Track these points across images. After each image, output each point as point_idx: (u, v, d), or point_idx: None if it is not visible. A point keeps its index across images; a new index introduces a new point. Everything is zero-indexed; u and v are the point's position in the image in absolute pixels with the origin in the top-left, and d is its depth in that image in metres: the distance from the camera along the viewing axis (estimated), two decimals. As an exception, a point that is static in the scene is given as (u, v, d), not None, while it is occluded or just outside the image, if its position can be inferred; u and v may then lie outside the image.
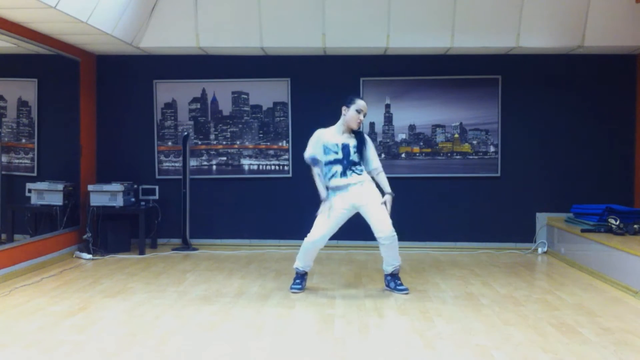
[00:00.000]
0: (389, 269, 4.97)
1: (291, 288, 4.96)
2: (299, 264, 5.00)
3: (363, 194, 4.82)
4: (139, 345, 3.57)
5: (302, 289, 4.96)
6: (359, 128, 4.93)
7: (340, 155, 4.81)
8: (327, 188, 4.88)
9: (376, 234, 4.84)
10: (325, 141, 4.86)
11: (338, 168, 4.81)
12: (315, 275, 5.54)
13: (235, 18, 6.46)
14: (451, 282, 5.31)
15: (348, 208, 4.85)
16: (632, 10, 6.24)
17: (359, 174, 4.83)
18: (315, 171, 4.92)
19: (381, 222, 4.80)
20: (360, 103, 4.89)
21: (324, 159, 4.86)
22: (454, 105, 7.04)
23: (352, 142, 4.86)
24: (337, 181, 4.82)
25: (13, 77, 6.30)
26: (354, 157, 4.83)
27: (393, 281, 4.96)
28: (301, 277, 5.01)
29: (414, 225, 7.08)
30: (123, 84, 7.26)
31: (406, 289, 4.89)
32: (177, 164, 7.21)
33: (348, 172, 4.80)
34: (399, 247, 4.79)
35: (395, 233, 4.84)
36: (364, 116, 4.93)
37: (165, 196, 7.10)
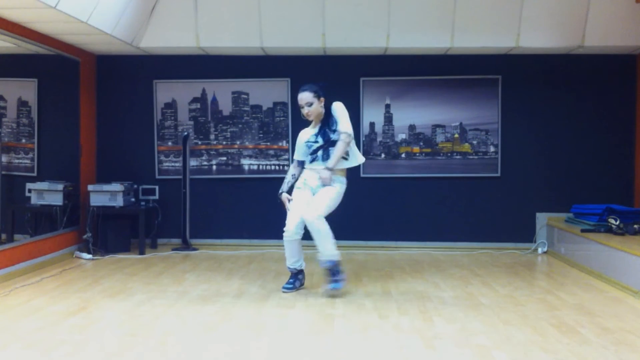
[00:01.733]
0: (320, 262, 4.77)
1: (282, 288, 4.95)
2: (287, 261, 4.97)
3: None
4: (139, 345, 3.56)
5: (293, 288, 4.92)
6: (311, 119, 4.87)
7: (321, 142, 4.80)
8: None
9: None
10: (305, 140, 4.90)
11: (319, 153, 4.81)
12: (315, 275, 5.53)
13: (235, 18, 6.46)
14: (451, 282, 5.30)
15: (304, 187, 4.87)
16: (632, 10, 6.24)
17: (345, 159, 4.80)
18: (290, 169, 5.03)
19: (311, 205, 4.71)
20: (298, 99, 4.86)
21: (310, 152, 4.87)
22: (454, 105, 7.04)
23: (325, 123, 4.82)
24: (316, 165, 4.82)
25: (13, 77, 6.30)
26: (334, 136, 4.75)
27: (328, 276, 4.74)
28: (294, 277, 4.98)
29: (414, 225, 7.09)
30: (123, 84, 7.26)
31: (337, 286, 4.70)
32: (177, 164, 7.21)
33: (330, 153, 4.76)
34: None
35: (317, 220, 4.59)
36: (309, 105, 4.78)
37: (165, 196, 7.10)
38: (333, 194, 4.75)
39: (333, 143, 4.76)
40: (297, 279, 4.98)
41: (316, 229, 4.63)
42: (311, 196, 4.84)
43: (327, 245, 4.68)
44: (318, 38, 6.50)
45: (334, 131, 4.76)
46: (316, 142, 4.82)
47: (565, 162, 7.03)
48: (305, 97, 4.81)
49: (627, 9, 6.25)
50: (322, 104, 4.83)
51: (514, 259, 6.51)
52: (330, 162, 4.72)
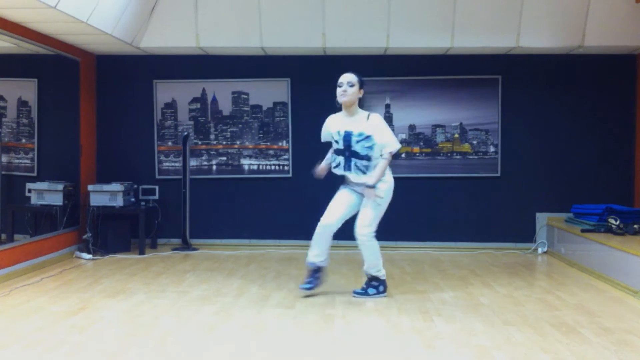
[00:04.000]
0: (369, 272, 4.77)
1: (300, 286, 4.76)
2: (309, 253, 4.74)
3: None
4: (139, 345, 3.57)
5: (311, 287, 4.70)
6: (344, 100, 4.63)
7: (341, 146, 4.63)
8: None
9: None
10: (331, 130, 4.73)
11: (340, 159, 4.65)
12: (315, 275, 5.53)
13: (235, 18, 6.46)
14: (451, 282, 5.30)
15: (345, 187, 4.78)
16: (632, 10, 6.24)
17: (364, 173, 4.57)
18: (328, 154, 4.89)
19: (359, 219, 4.65)
20: (341, 77, 4.67)
21: (333, 150, 4.77)
22: (454, 105, 7.04)
23: (357, 129, 4.58)
24: (342, 172, 4.69)
25: (13, 77, 6.30)
26: (357, 147, 4.55)
27: (371, 281, 4.77)
28: (312, 274, 4.74)
29: (414, 225, 7.08)
30: (123, 84, 7.26)
31: (379, 292, 4.73)
32: (177, 164, 7.21)
33: (352, 167, 4.59)
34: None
35: (368, 237, 4.61)
36: (351, 85, 4.60)
37: (165, 196, 7.10)
38: (380, 202, 4.63)
39: (354, 153, 4.58)
40: (315, 277, 4.74)
41: (367, 248, 4.64)
42: (352, 196, 4.73)
43: (375, 262, 4.70)
44: (318, 38, 6.50)
45: (360, 141, 4.56)
46: (337, 142, 4.65)
47: (565, 162, 7.03)
48: (349, 76, 4.64)
49: (627, 9, 6.25)
50: (360, 95, 4.69)
51: (514, 259, 6.51)
52: (372, 179, 4.56)
